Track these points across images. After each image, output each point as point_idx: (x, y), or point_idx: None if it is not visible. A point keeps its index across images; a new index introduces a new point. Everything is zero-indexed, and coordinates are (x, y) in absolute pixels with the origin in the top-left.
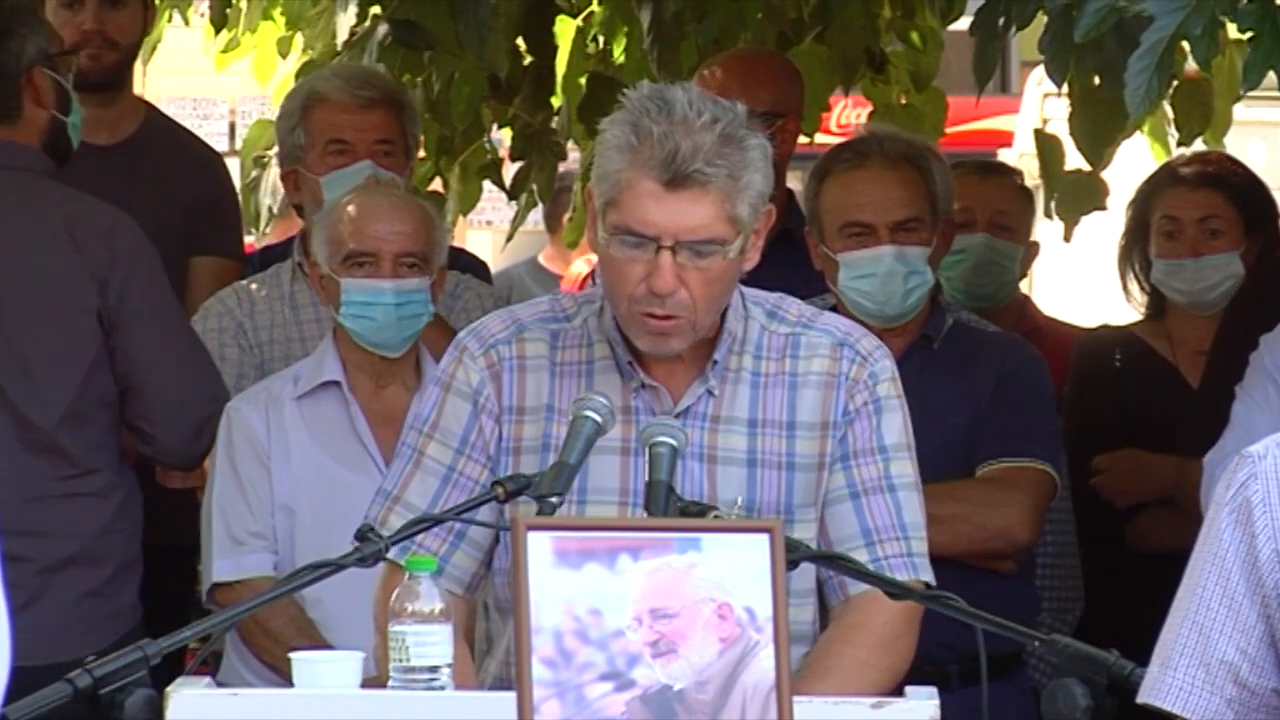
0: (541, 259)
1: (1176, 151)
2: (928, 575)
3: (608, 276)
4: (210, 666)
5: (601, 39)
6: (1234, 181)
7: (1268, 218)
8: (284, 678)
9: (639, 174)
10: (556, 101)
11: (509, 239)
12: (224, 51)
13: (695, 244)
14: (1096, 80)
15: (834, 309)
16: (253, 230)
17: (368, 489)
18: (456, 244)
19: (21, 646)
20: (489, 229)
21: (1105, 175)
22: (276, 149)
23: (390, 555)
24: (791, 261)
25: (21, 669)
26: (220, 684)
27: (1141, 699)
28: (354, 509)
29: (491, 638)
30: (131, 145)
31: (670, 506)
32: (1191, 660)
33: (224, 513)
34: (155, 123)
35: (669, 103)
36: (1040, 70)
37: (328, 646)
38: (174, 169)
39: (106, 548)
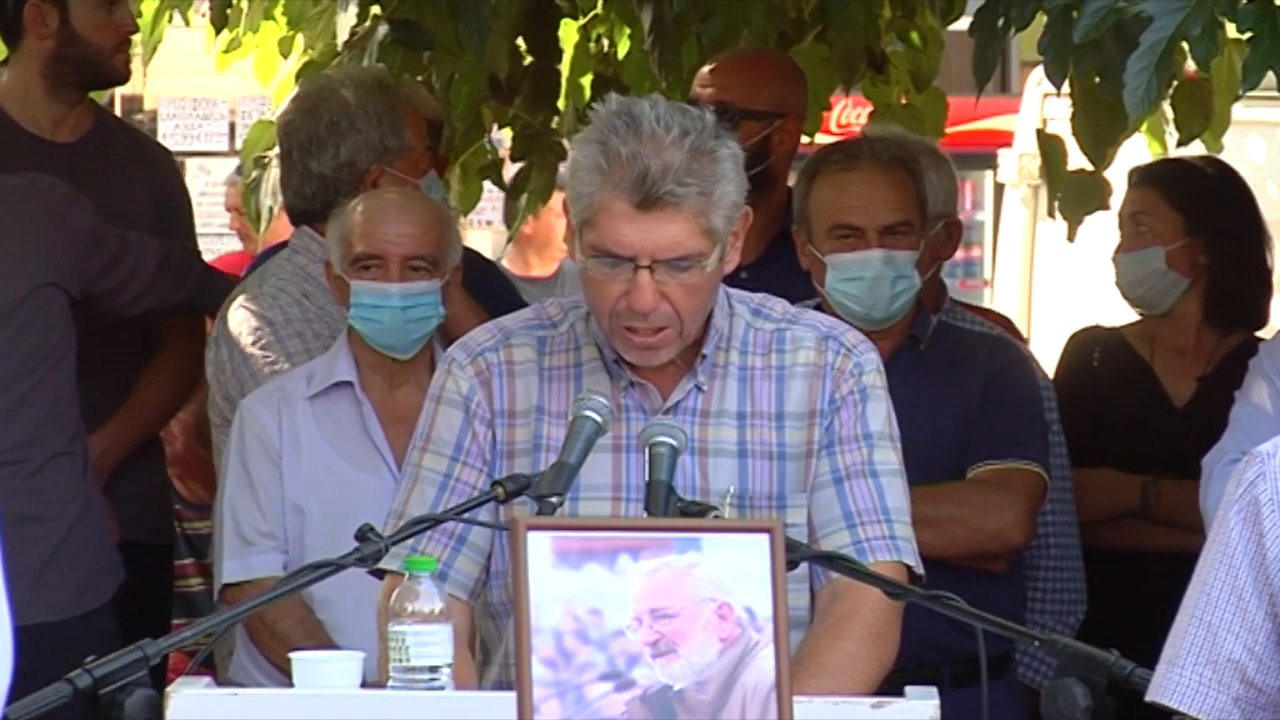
0: None
1: (1175, 151)
2: (911, 559)
3: (589, 293)
4: (209, 667)
5: (605, 40)
6: (1176, 180)
7: (1221, 220)
8: (292, 679)
9: (610, 196)
10: (563, 104)
11: (509, 239)
12: (225, 51)
13: (672, 261)
14: (1097, 80)
15: (819, 308)
16: (255, 230)
17: (379, 489)
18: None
19: None
20: (489, 229)
21: (1106, 175)
22: (344, 145)
23: (393, 566)
24: (791, 260)
25: None
26: (231, 682)
27: (1149, 697)
28: (364, 509)
29: (487, 646)
30: (92, 141)
31: (670, 506)
32: (1199, 659)
33: (234, 512)
34: (107, 119)
35: (636, 119)
36: (1040, 70)
37: (335, 648)
38: (136, 164)
39: None
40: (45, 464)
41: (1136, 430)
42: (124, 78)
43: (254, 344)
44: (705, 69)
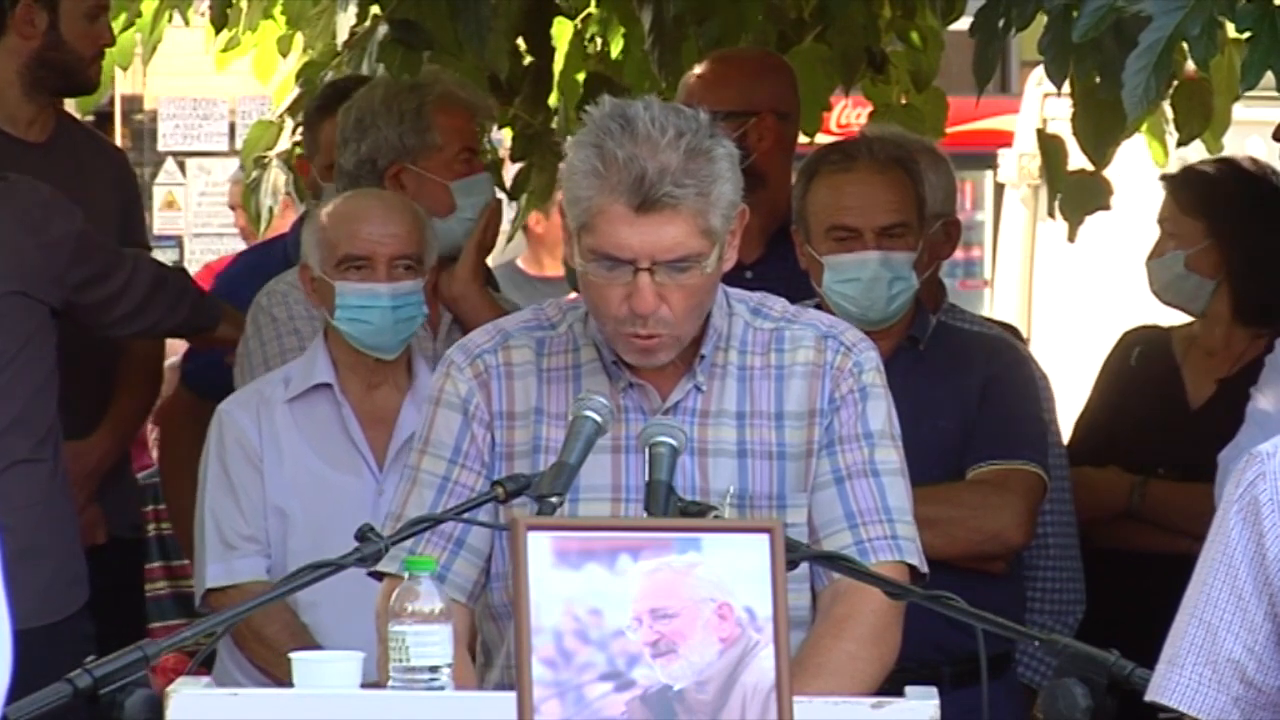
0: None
1: (1175, 151)
2: (914, 559)
3: (589, 297)
4: (209, 668)
5: (600, 39)
6: (1192, 186)
7: (1244, 222)
8: (276, 682)
9: (608, 199)
10: (554, 101)
11: (509, 239)
12: (224, 50)
13: (672, 262)
14: (1097, 80)
15: (819, 307)
16: (255, 230)
17: (360, 491)
18: None
19: None
20: None
21: (1106, 175)
22: (364, 141)
23: (390, 568)
24: (794, 258)
25: None
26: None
27: (1149, 697)
28: (346, 511)
29: (489, 648)
30: (60, 141)
31: (670, 506)
32: (1199, 659)
33: (215, 516)
34: (68, 118)
35: (631, 121)
36: (1040, 70)
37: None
38: (99, 162)
39: None
40: (6, 470)
41: (1148, 430)
42: (94, 90)
43: (256, 340)
44: (686, 76)
